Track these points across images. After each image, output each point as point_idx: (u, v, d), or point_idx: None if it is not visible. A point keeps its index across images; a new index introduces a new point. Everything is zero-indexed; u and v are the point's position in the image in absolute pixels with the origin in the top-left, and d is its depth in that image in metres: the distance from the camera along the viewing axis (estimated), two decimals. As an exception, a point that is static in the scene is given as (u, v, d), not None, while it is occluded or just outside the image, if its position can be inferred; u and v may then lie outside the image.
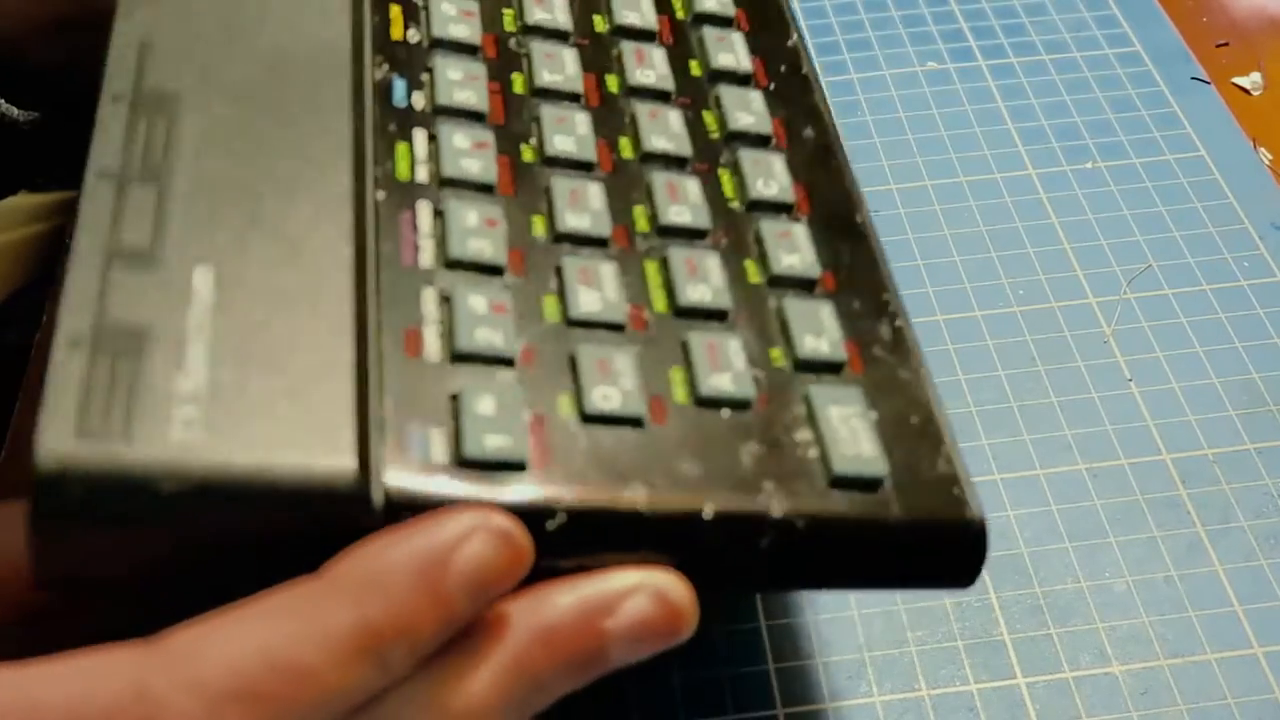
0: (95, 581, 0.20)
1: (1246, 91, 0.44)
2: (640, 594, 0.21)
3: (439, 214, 0.25)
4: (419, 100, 0.27)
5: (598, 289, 0.25)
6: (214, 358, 0.21)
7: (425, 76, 0.28)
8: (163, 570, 0.20)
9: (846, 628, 0.30)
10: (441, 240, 0.25)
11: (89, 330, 0.20)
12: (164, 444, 0.19)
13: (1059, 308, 0.37)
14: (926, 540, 0.24)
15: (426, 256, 0.24)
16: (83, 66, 0.34)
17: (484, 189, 0.26)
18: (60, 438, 0.19)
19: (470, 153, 0.27)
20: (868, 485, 0.23)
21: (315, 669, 0.19)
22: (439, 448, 0.21)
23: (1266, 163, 0.41)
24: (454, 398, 0.22)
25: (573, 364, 0.24)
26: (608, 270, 0.25)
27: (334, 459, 0.20)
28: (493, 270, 0.25)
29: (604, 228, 0.26)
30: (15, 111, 0.32)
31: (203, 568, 0.20)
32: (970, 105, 0.43)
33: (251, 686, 0.19)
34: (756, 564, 0.23)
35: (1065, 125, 0.42)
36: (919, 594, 0.31)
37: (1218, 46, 0.45)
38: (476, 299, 0.24)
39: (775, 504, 0.23)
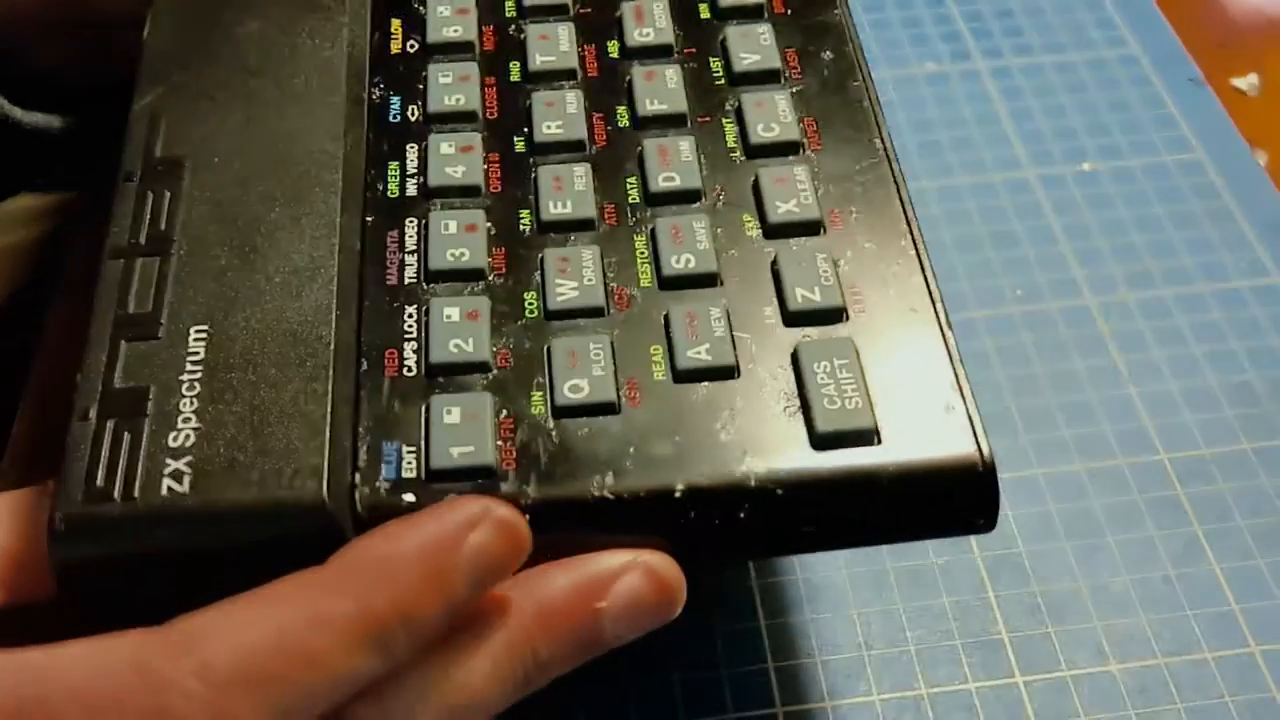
0: (109, 606, 0.21)
1: (1244, 93, 0.44)
2: (631, 573, 0.22)
3: (421, 227, 0.26)
4: (412, 112, 0.28)
5: (576, 277, 0.25)
6: (201, 413, 0.22)
7: (420, 86, 0.28)
8: (163, 594, 0.21)
9: (845, 627, 0.31)
10: (423, 254, 0.25)
11: (97, 399, 0.22)
12: (158, 497, 0.21)
13: (1057, 308, 0.37)
14: (928, 489, 0.23)
15: (409, 272, 0.25)
16: (84, 66, 0.34)
17: (470, 191, 0.27)
18: (70, 503, 0.21)
19: (455, 157, 0.27)
20: (857, 439, 0.23)
21: (321, 653, 0.19)
22: (409, 463, 0.22)
23: (1263, 164, 0.41)
24: (424, 410, 0.23)
25: (547, 358, 0.24)
26: (589, 255, 0.25)
27: (304, 488, 0.21)
28: (472, 275, 0.25)
29: (588, 209, 0.26)
30: (18, 112, 0.33)
31: (198, 588, 0.20)
32: (969, 107, 0.43)
33: (258, 670, 0.19)
34: (740, 535, 0.23)
35: (1063, 127, 0.43)
36: (919, 593, 0.31)
37: (1215, 48, 0.45)
38: (450, 309, 0.24)
39: (751, 473, 0.22)
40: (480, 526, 0.20)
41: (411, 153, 0.27)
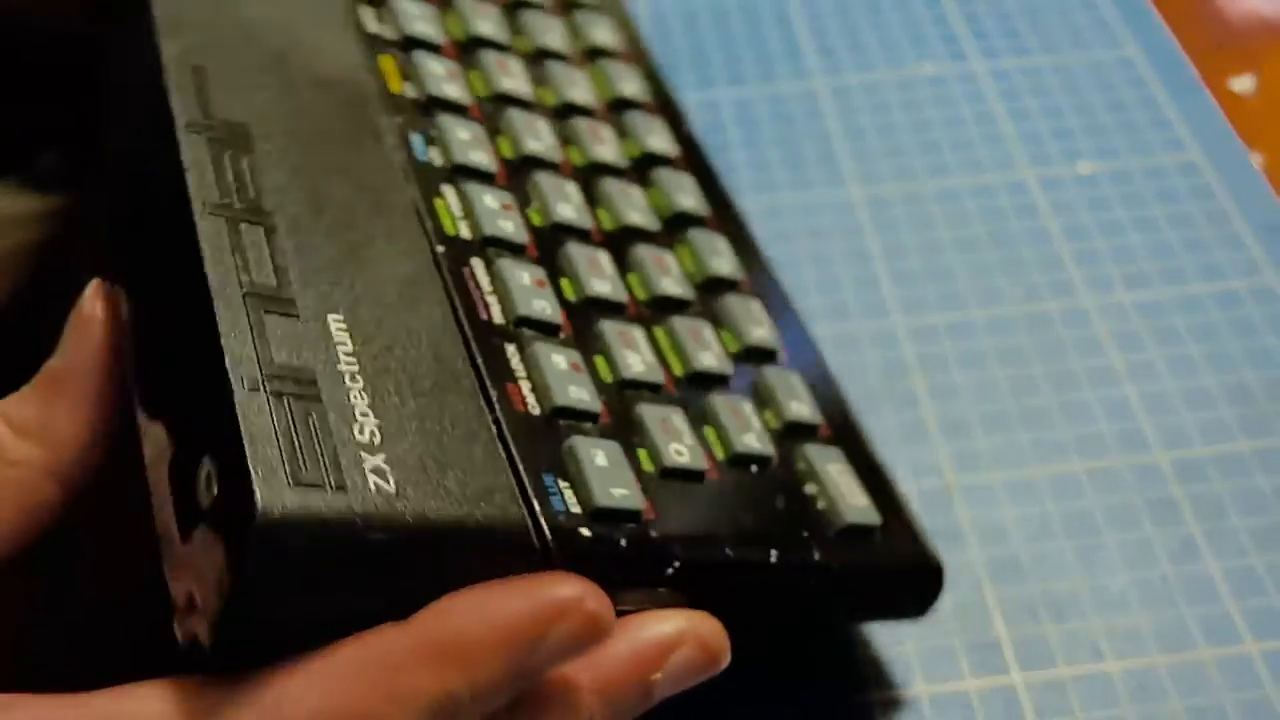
0: (287, 622, 0.19)
1: (1241, 95, 0.44)
2: (686, 646, 0.23)
3: (492, 272, 0.26)
4: (436, 156, 0.28)
5: (637, 351, 0.26)
6: (375, 409, 0.20)
7: (434, 133, 0.28)
8: (347, 610, 0.19)
9: (844, 627, 0.31)
10: (504, 298, 0.25)
11: (261, 373, 0.20)
12: (369, 494, 0.19)
13: (1055, 309, 0.37)
14: (905, 580, 0.28)
15: (496, 313, 0.25)
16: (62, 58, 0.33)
17: (518, 250, 0.27)
18: (277, 489, 0.18)
19: (502, 213, 0.27)
20: (865, 534, 0.26)
21: None
22: (570, 498, 0.22)
23: (1259, 165, 0.41)
24: (567, 451, 0.23)
25: (637, 422, 0.25)
26: (639, 335, 0.27)
27: (507, 509, 0.21)
28: (552, 329, 0.26)
29: (621, 293, 0.28)
30: None
31: (379, 606, 0.19)
32: (966, 108, 0.44)
33: None
34: (801, 603, 0.26)
35: (1061, 128, 0.43)
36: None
37: (1212, 50, 0.46)
38: (558, 357, 0.25)
39: (814, 550, 0.25)
40: (569, 616, 0.20)
41: (450, 194, 0.27)
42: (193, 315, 0.21)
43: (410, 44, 0.30)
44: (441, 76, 0.30)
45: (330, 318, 0.21)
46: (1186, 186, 0.40)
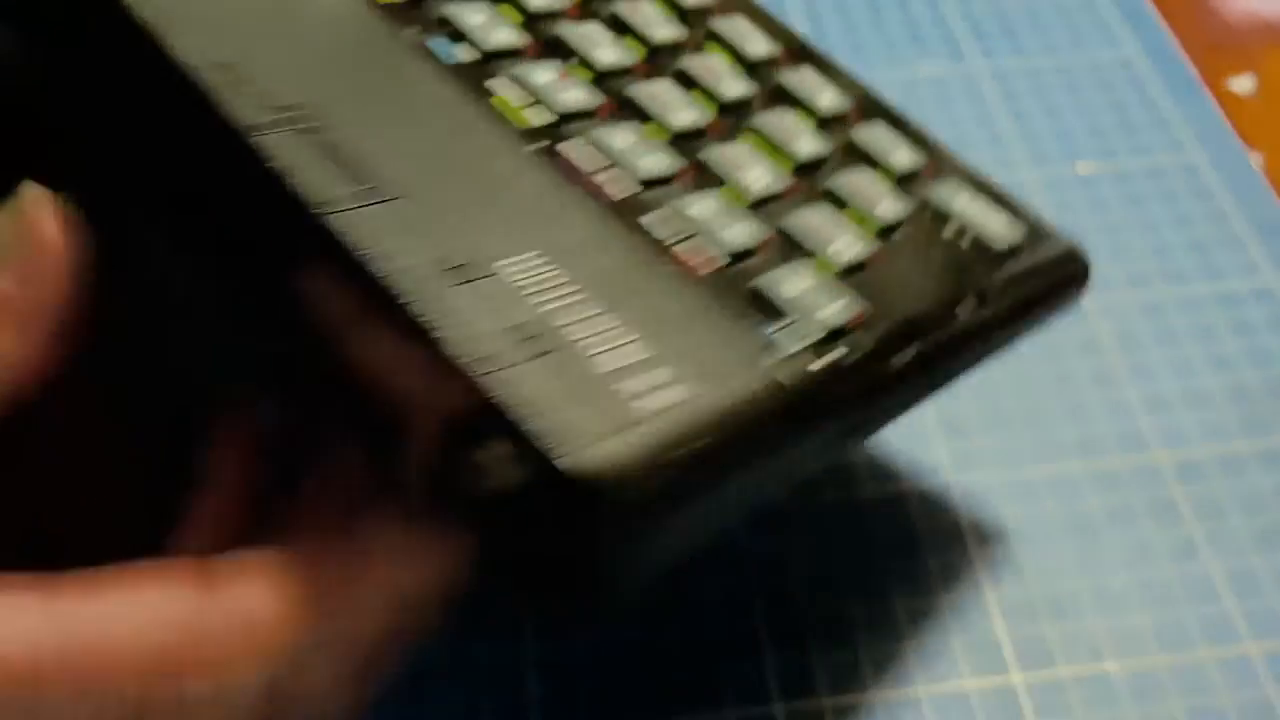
0: (656, 550, 0.20)
1: (1240, 95, 0.44)
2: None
3: (592, 143, 0.25)
4: (464, 53, 0.26)
5: (749, 168, 0.26)
6: (608, 332, 0.20)
7: (450, 29, 0.27)
8: (696, 518, 0.20)
9: (844, 626, 0.31)
10: (620, 166, 0.25)
11: (493, 346, 0.19)
12: (659, 413, 0.19)
13: (1054, 309, 0.37)
14: (1061, 278, 0.29)
15: (619, 185, 0.24)
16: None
17: (589, 115, 0.26)
18: (584, 453, 0.18)
19: (561, 84, 0.26)
20: (1017, 251, 0.28)
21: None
22: (791, 334, 0.22)
23: (1259, 165, 0.41)
24: (764, 290, 0.23)
25: (796, 237, 0.25)
26: (743, 150, 0.27)
27: (764, 370, 0.21)
28: (677, 177, 0.25)
29: (703, 116, 0.27)
30: None
31: (715, 505, 0.20)
32: (966, 109, 0.44)
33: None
34: (982, 348, 0.27)
35: (1060, 128, 0.43)
36: (916, 593, 0.31)
37: (1211, 50, 0.46)
38: (703, 203, 0.25)
39: (989, 286, 0.26)
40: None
41: (501, 86, 0.26)
42: (393, 319, 0.20)
43: None
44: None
45: (511, 263, 0.21)
46: (1186, 187, 0.41)
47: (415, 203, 0.21)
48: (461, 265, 0.20)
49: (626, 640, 0.30)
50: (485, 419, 0.18)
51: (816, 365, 0.22)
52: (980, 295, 0.26)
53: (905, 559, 0.32)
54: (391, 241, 0.20)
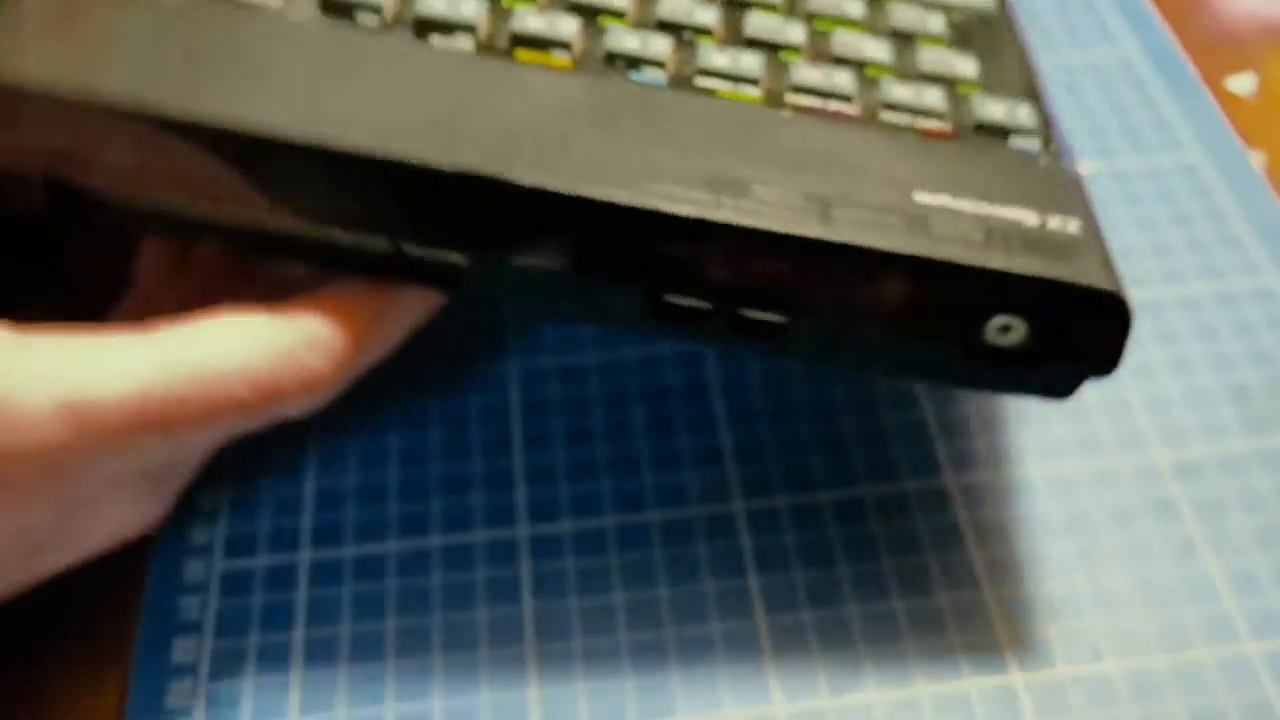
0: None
1: (1240, 96, 0.44)
2: None
3: (812, 92, 0.30)
4: (655, 74, 0.29)
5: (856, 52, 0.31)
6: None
7: (630, 59, 0.29)
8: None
9: (844, 627, 0.31)
10: (841, 97, 0.30)
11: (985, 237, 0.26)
12: (1099, 250, 0.27)
13: (1054, 309, 0.37)
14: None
15: (852, 109, 0.30)
16: None
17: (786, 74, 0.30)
18: (1106, 276, 0.26)
19: (744, 58, 0.30)
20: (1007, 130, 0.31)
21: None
22: (1028, 141, 0.30)
23: (1259, 165, 0.41)
24: (980, 125, 0.30)
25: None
26: (852, 38, 0.32)
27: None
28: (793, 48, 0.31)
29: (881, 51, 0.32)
30: None
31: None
32: (966, 108, 0.44)
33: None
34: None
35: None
36: (916, 593, 0.31)
37: (1211, 50, 0.46)
38: (906, 89, 0.30)
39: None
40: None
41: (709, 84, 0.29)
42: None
43: None
44: None
45: (923, 195, 0.27)
46: (1186, 187, 0.41)
47: (791, 174, 0.27)
48: (902, 207, 0.26)
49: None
50: (1016, 290, 0.26)
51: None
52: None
53: (905, 559, 0.32)
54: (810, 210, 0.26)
